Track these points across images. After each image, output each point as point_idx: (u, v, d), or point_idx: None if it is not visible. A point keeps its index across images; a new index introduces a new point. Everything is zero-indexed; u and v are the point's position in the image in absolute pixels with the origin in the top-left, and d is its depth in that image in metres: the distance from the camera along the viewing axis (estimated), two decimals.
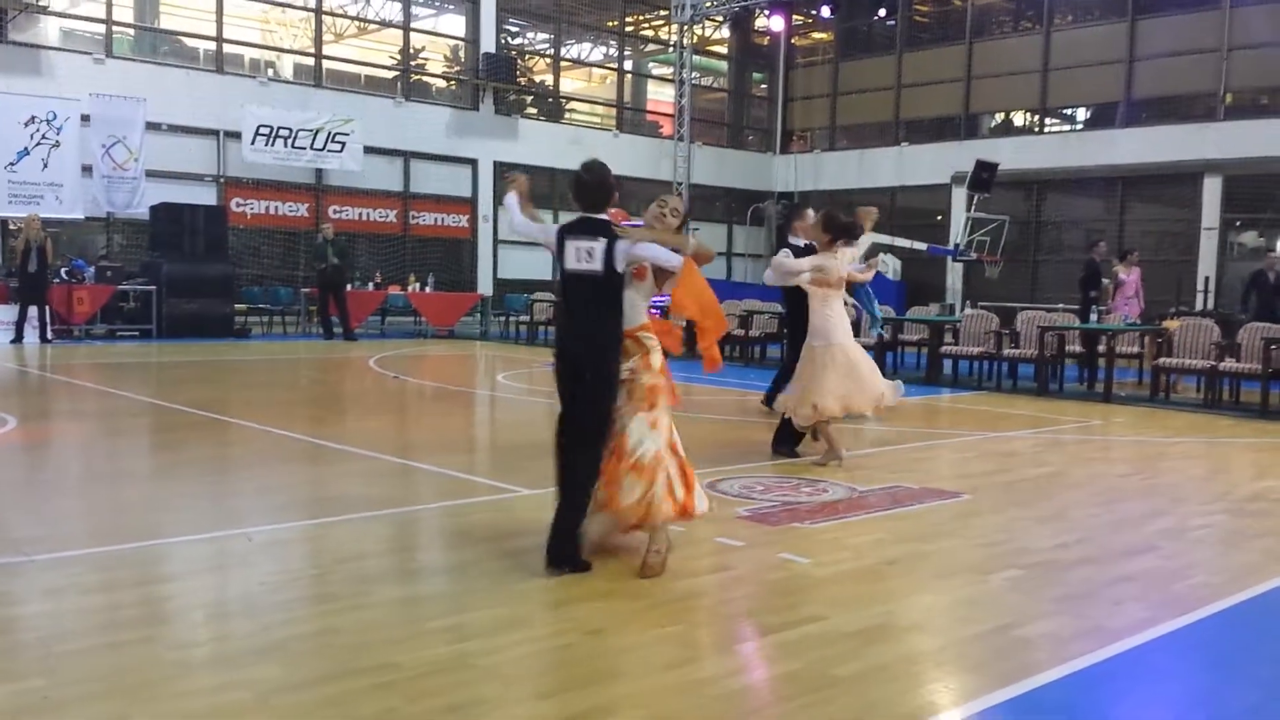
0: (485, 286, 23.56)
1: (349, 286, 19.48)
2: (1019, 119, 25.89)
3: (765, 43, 29.87)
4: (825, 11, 24.68)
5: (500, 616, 3.99)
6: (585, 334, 4.68)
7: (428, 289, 21.01)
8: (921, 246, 22.42)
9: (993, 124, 26.25)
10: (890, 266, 23.18)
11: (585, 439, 4.59)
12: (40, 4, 18.82)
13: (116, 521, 5.47)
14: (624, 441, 4.60)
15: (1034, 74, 24.15)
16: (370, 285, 20.68)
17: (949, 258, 22.72)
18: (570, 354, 4.69)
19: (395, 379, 12.70)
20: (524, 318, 20.50)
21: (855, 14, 26.52)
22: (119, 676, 3.34)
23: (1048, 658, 3.74)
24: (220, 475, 6.96)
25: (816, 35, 29.62)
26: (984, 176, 21.08)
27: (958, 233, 22.38)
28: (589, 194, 4.72)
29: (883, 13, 25.55)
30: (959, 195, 23.60)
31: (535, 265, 24.73)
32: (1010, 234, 22.23)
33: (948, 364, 14.13)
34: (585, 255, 4.60)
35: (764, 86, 30.52)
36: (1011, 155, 22.83)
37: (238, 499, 6.28)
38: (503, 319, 22.27)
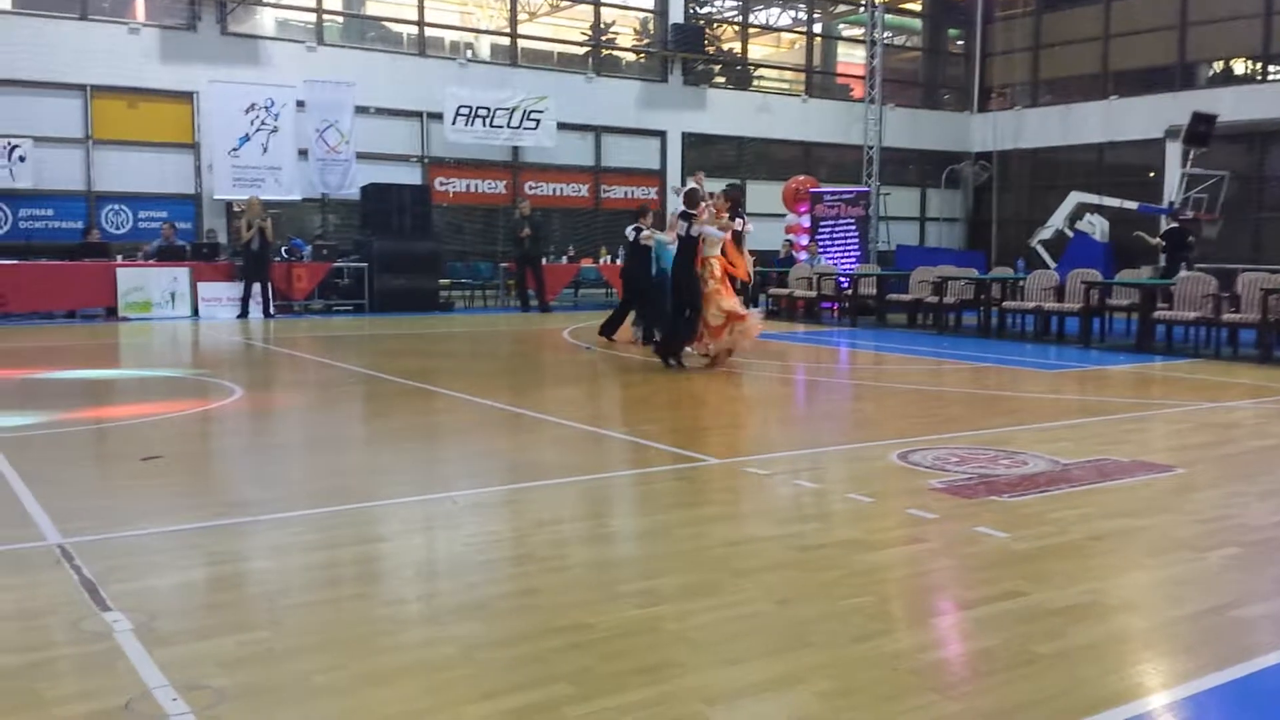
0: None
1: (544, 260, 20.00)
2: (1240, 67, 24.06)
3: None
4: None
5: (689, 583, 4.05)
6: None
7: (618, 261, 21.31)
8: (1132, 205, 21.23)
9: (1211, 73, 24.48)
10: (1098, 227, 22.02)
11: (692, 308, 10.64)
12: None
13: (334, 484, 5.83)
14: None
15: (1256, 18, 22.35)
16: (564, 259, 21.15)
17: (1163, 217, 21.40)
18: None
19: (588, 349, 12.98)
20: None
21: None
22: (336, 630, 3.58)
23: (1270, 641, 3.52)
24: (427, 441, 7.31)
25: None
26: (1201, 130, 19.72)
27: (1172, 190, 21.05)
28: (688, 201, 10.95)
29: None
30: (1174, 150, 22.16)
31: None
32: (1230, 190, 20.75)
33: (1161, 330, 13.36)
34: (684, 229, 10.75)
35: (960, 43, 29.41)
36: (1232, 106, 21.27)
37: (443, 464, 6.59)
38: None
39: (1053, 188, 25.34)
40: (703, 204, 11.00)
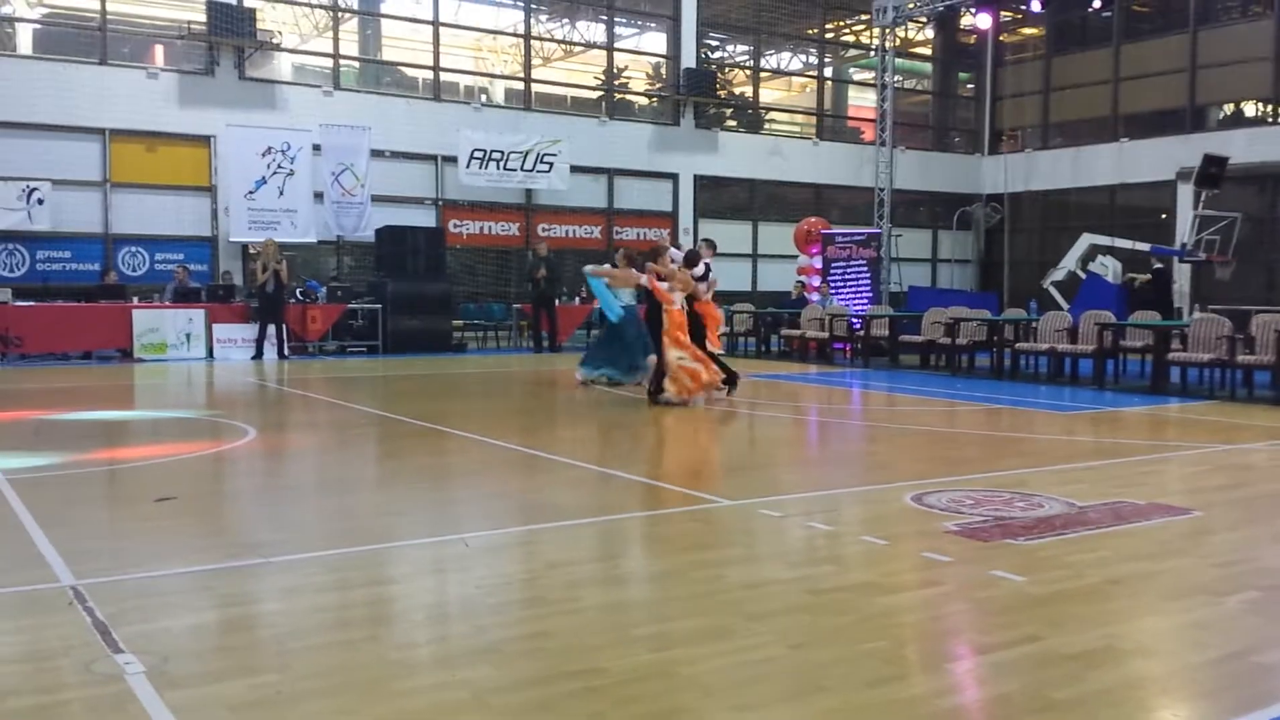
0: None
1: (557, 301, 20.08)
2: (1250, 109, 24.12)
3: (971, 41, 28.98)
4: (1035, 5, 23.68)
5: (702, 626, 4.02)
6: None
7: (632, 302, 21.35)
8: (1144, 247, 21.23)
9: (1221, 115, 24.57)
10: (1110, 269, 22.02)
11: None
12: (274, 42, 20.30)
13: (346, 526, 5.83)
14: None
15: (1266, 61, 22.45)
16: (577, 300, 21.23)
17: (1175, 259, 21.39)
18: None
19: (600, 390, 12.97)
20: (724, 329, 20.52)
21: (1068, 7, 25.37)
22: (347, 673, 3.56)
23: None
24: (439, 483, 7.31)
25: (1026, 30, 28.52)
26: (1213, 171, 19.75)
27: (1184, 232, 21.05)
28: (688, 260, 11.97)
29: (1097, 4, 24.30)
30: (1185, 192, 22.20)
31: (736, 277, 24.81)
32: (1243, 232, 20.72)
33: (1175, 372, 13.30)
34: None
35: (970, 86, 29.61)
36: (1244, 148, 21.30)
37: (455, 505, 6.58)
38: None
39: (1065, 229, 25.37)
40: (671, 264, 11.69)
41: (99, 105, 18.45)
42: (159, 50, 20.13)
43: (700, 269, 12.22)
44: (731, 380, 11.91)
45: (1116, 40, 25.29)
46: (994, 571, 4.77)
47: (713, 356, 11.80)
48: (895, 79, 25.78)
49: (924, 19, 27.25)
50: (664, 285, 11.52)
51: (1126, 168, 24.67)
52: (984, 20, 25.58)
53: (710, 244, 13.49)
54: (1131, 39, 25.26)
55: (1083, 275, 22.14)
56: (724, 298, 22.81)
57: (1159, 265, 17.07)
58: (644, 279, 12.07)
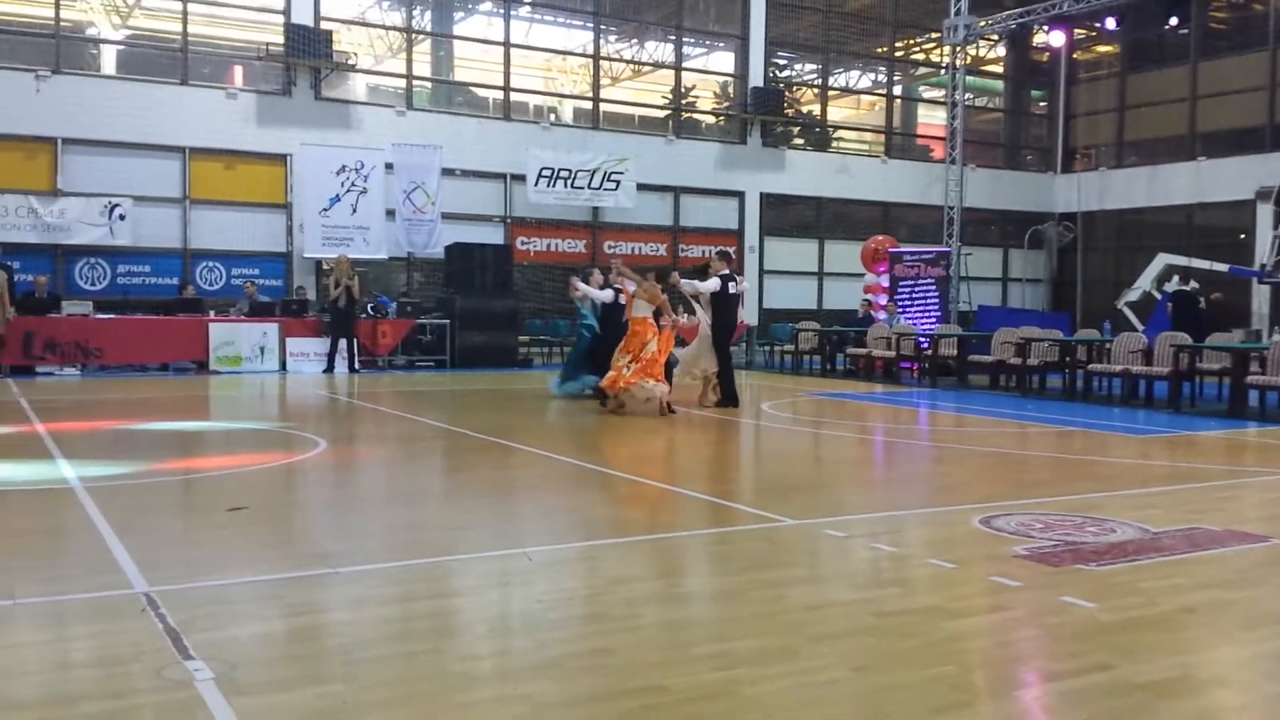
0: (751, 316, 23.70)
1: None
2: None
3: (1044, 59, 28.61)
4: (1110, 23, 23.31)
5: (765, 646, 3.99)
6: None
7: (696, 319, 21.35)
8: (1223, 268, 20.74)
9: None
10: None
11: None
12: (349, 63, 20.72)
13: (411, 538, 5.89)
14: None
15: None
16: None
17: (1254, 279, 20.83)
18: None
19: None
20: (788, 347, 20.45)
21: (1143, 24, 24.89)
22: (410, 685, 3.59)
23: None
24: (503, 497, 7.36)
25: (1100, 48, 28.10)
26: None
27: (1264, 252, 20.51)
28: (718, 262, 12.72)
29: (1174, 21, 23.86)
30: (1265, 212, 21.66)
31: (800, 295, 24.71)
32: None
33: (1254, 395, 12.94)
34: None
35: (1043, 104, 29.21)
36: None
37: (519, 519, 6.62)
38: (767, 348, 22.33)
39: (1140, 249, 24.88)
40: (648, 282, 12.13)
41: (179, 124, 18.97)
42: (238, 71, 20.66)
43: (714, 283, 12.58)
44: (729, 399, 12.77)
45: (1194, 58, 24.80)
46: (1064, 597, 4.67)
47: (723, 373, 12.66)
48: (966, 97, 25.53)
49: (995, 37, 26.95)
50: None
51: (1204, 187, 24.13)
52: (1057, 38, 25.23)
53: (724, 256, 13.41)
54: (1209, 56, 24.74)
55: (1158, 296, 21.68)
56: (789, 315, 22.89)
57: (1183, 288, 16.63)
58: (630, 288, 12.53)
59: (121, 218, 18.30)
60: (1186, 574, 5.16)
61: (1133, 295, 22.57)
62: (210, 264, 19.54)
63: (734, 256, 13.84)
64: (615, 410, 11.91)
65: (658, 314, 11.94)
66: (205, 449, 9.54)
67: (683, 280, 13.06)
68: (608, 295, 13.15)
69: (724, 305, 12.82)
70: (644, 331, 11.78)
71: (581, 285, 13.59)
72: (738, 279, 13.15)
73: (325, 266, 19.60)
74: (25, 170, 18.19)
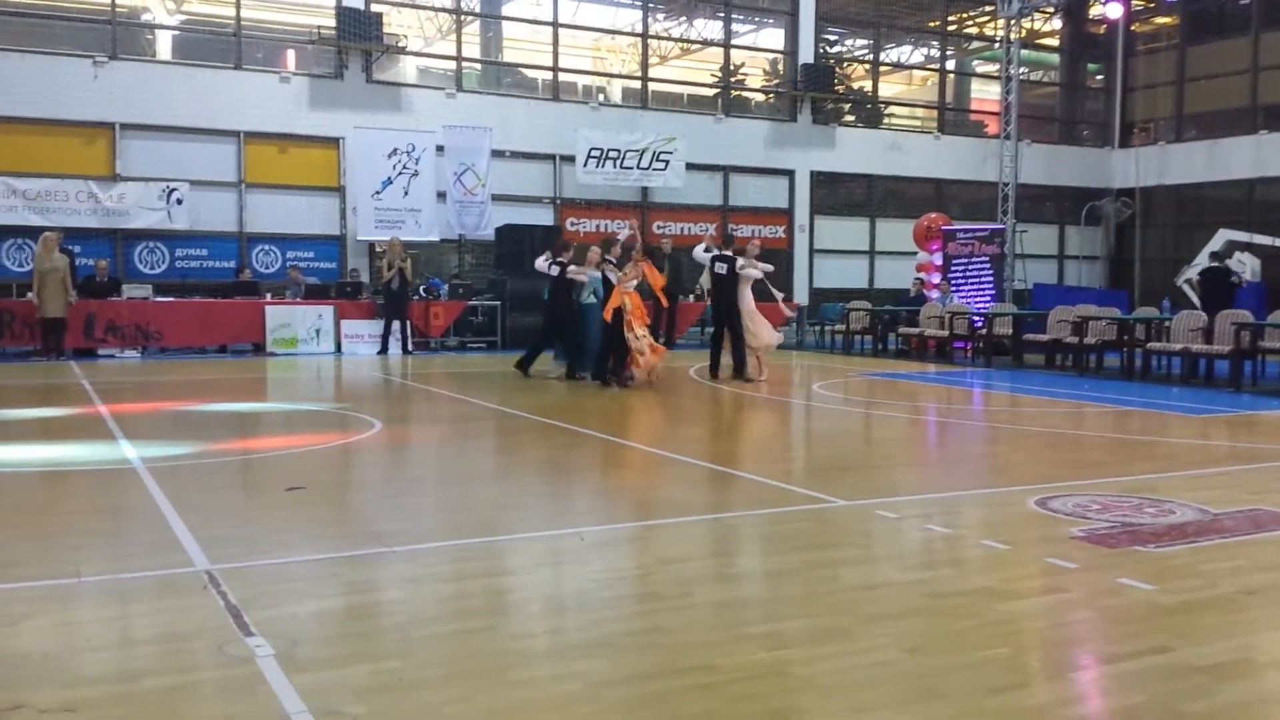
0: (801, 296, 23.58)
1: (678, 299, 20.09)
2: None
3: (1101, 31, 28.00)
4: None
5: (817, 626, 3.99)
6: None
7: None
8: None
9: None
10: (1249, 266, 21.05)
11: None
12: (400, 45, 20.83)
13: (466, 517, 5.96)
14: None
15: None
16: (691, 297, 21.21)
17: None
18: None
19: (712, 387, 12.97)
20: (839, 327, 20.30)
21: None
22: (464, 662, 3.64)
23: None
24: (555, 477, 7.41)
25: (1159, 20, 27.45)
26: None
27: None
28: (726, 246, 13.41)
29: None
30: None
31: (851, 274, 24.51)
32: None
33: None
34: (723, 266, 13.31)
35: (1100, 78, 28.62)
36: None
37: (571, 499, 6.67)
38: (818, 328, 22.19)
39: (1200, 225, 24.35)
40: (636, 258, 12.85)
41: (234, 108, 19.20)
42: (290, 55, 20.84)
43: (704, 257, 14.14)
44: (713, 370, 13.79)
45: (1256, 28, 24.14)
46: (1121, 579, 4.61)
47: (737, 349, 13.29)
48: (1021, 71, 25.09)
49: (1050, 9, 26.42)
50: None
51: (1266, 161, 23.54)
52: (1114, 9, 24.64)
53: (725, 236, 14.63)
54: (1271, 27, 24.06)
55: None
56: (840, 295, 22.72)
57: (1214, 264, 16.15)
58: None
59: (179, 202, 18.58)
60: (1248, 556, 5.08)
61: (1192, 273, 22.08)
62: (266, 247, 19.79)
63: (718, 236, 15.31)
64: (651, 383, 12.79)
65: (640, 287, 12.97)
66: (263, 430, 9.69)
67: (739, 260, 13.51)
68: (602, 275, 13.41)
69: (718, 283, 13.74)
70: (638, 302, 12.77)
71: (581, 274, 13.71)
72: (737, 260, 13.43)
73: (378, 249, 19.76)
74: (85, 155, 18.52)
